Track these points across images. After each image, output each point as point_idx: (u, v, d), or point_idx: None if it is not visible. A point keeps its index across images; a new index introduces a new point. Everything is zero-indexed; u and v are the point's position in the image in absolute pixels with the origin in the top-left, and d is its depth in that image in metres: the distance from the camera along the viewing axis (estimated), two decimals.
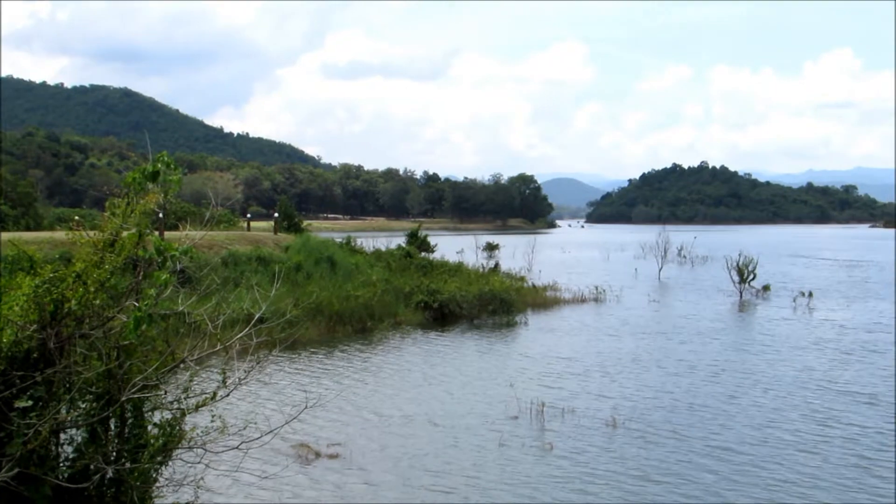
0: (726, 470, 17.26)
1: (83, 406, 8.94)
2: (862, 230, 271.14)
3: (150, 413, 9.51)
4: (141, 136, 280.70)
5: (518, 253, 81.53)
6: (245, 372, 9.71)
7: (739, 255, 55.50)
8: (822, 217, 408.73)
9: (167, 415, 9.49)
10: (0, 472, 7.73)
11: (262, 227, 75.01)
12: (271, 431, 10.43)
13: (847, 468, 17.45)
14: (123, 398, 8.87)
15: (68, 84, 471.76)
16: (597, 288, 51.71)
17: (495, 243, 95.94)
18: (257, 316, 10.33)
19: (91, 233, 9.22)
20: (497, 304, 40.88)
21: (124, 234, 8.99)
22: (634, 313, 43.97)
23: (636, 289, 57.31)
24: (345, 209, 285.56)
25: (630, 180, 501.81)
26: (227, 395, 9.67)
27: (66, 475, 8.75)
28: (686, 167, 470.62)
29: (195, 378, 9.78)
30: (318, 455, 17.99)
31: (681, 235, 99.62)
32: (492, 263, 61.93)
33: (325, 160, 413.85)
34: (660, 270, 69.24)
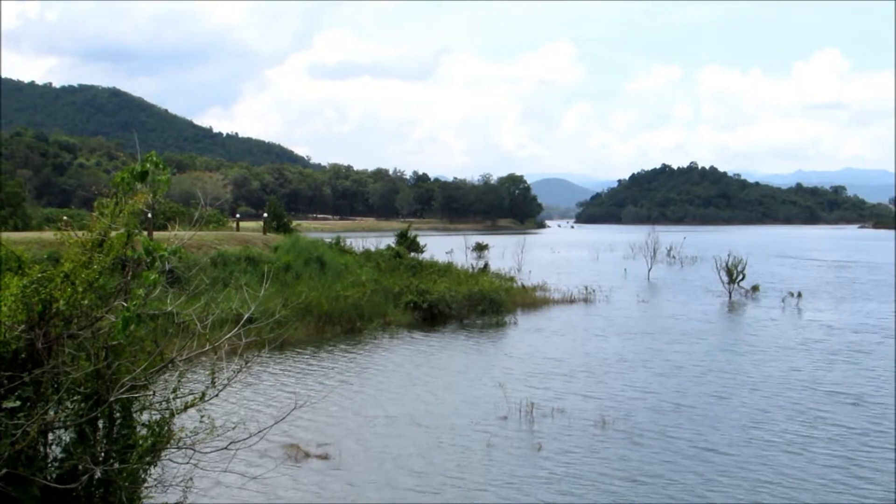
0: (712, 471, 17.33)
1: (71, 406, 8.93)
2: (851, 231, 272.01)
3: (138, 413, 9.51)
4: (130, 136, 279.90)
5: (507, 253, 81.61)
6: (234, 372, 9.72)
7: (729, 255, 55.66)
8: (811, 218, 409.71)
9: (156, 415, 9.48)
10: None
11: (251, 227, 74.91)
12: (260, 432, 10.43)
13: (832, 469, 17.53)
14: (112, 398, 8.87)
15: (57, 84, 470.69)
16: (586, 288, 51.77)
17: (485, 243, 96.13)
18: (246, 316, 10.34)
19: (79, 233, 9.22)
20: (486, 305, 40.94)
21: (113, 234, 8.99)
22: (623, 314, 44.07)
23: (625, 289, 57.40)
24: (334, 209, 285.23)
25: (619, 181, 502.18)
26: (216, 395, 9.68)
27: (54, 476, 8.74)
28: (675, 168, 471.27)
29: (184, 378, 9.77)
30: (307, 456, 17.99)
31: (670, 236, 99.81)
32: (481, 264, 61.95)
33: (314, 160, 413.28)
34: (649, 271, 69.38)
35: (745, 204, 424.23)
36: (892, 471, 17.33)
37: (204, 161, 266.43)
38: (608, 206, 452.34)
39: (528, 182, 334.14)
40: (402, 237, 65.51)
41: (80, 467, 8.65)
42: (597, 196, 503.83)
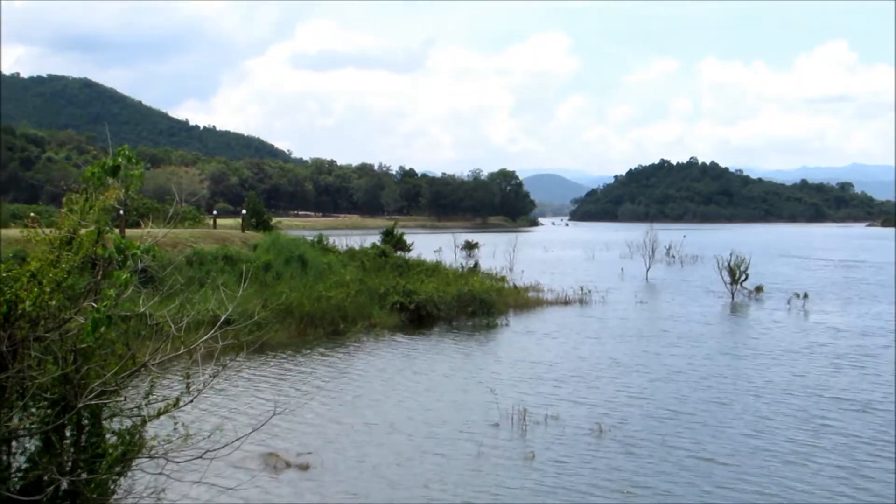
0: (712, 482, 17.30)
1: (37, 413, 8.88)
2: (858, 229, 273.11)
3: (108, 420, 9.46)
4: (101, 129, 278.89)
5: (499, 252, 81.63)
6: (210, 377, 9.68)
7: (731, 254, 55.68)
8: (816, 215, 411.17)
9: (127, 422, 9.45)
10: None
11: (229, 224, 74.60)
12: (237, 440, 10.40)
13: (837, 481, 17.51)
14: (80, 405, 8.82)
15: (25, 74, 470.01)
16: (581, 289, 51.75)
17: (475, 242, 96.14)
18: (223, 318, 10.30)
19: (47, 230, 9.17)
20: (476, 306, 40.93)
21: (82, 231, 8.95)
22: (620, 315, 44.12)
23: (622, 290, 57.47)
24: (316, 206, 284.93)
25: (616, 176, 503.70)
26: (191, 401, 9.64)
27: (17, 487, 8.69)
28: (674, 163, 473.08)
29: (156, 384, 9.73)
30: (287, 465, 17.93)
31: (669, 234, 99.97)
32: (471, 263, 62.03)
33: (295, 155, 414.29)
34: (647, 271, 69.44)
35: (747, 201, 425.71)
36: None
37: (179, 155, 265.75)
38: (604, 203, 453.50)
39: (521, 178, 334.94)
40: (388, 235, 65.48)
41: (46, 478, 8.60)
42: (592, 192, 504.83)
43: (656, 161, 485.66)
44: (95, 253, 8.82)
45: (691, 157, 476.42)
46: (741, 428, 21.52)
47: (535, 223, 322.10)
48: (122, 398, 9.39)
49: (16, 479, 8.78)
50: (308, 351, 32.15)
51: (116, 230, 10.47)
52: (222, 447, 9.99)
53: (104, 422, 9.39)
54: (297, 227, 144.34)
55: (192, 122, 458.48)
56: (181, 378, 9.58)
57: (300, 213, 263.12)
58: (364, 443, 19.90)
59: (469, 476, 17.50)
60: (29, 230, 9.44)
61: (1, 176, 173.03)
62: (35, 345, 8.72)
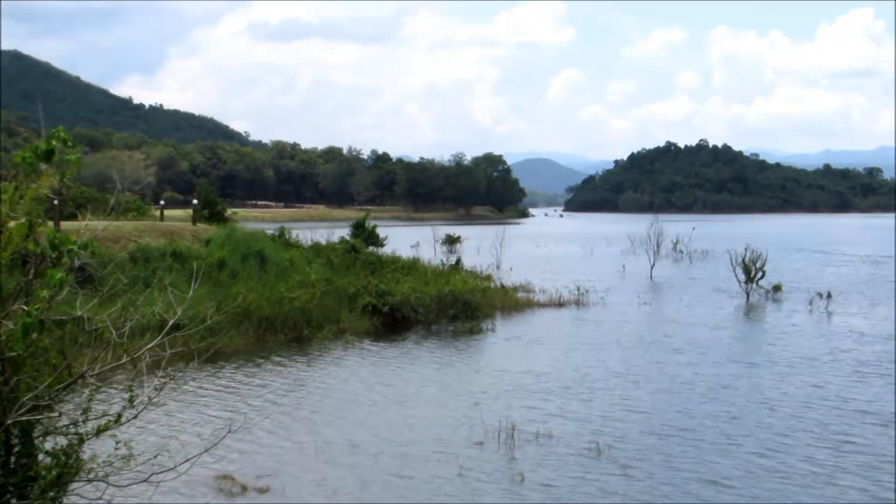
0: None
1: None
2: (888, 220, 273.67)
3: (41, 439, 9.45)
4: (33, 108, 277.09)
5: (484, 247, 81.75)
6: (156, 389, 9.69)
7: (745, 249, 55.76)
8: (841, 205, 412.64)
9: (62, 441, 9.44)
10: None
11: (178, 216, 74.47)
12: (187, 461, 10.43)
13: None
14: (9, 421, 8.82)
15: None
16: (578, 289, 51.74)
17: (457, 236, 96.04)
18: (171, 322, 10.31)
19: None
20: (459, 308, 40.90)
21: (11, 224, 8.94)
22: (621, 319, 44.23)
23: (623, 290, 57.60)
24: (277, 195, 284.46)
25: (616, 161, 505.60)
26: (135, 417, 9.65)
27: None
28: (682, 146, 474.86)
29: (96, 397, 9.73)
30: (244, 489, 17.94)
31: (676, 226, 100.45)
32: (453, 259, 62.07)
33: (253, 137, 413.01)
34: (651, 268, 69.56)
35: (764, 189, 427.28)
36: None
37: (122, 138, 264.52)
38: (603, 192, 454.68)
39: (508, 163, 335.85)
40: (359, 228, 65.42)
41: None
42: (589, 179, 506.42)
43: (661, 144, 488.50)
44: (26, 249, 8.82)
45: (701, 140, 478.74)
46: (753, 446, 21.60)
47: (524, 214, 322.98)
48: (56, 414, 9.38)
49: None
50: (267, 360, 32.11)
51: (50, 223, 10.46)
52: (170, 469, 10.00)
53: (37, 440, 9.38)
54: (256, 220, 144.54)
55: (136, 101, 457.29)
56: (123, 391, 9.59)
57: (259, 203, 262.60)
58: (329, 464, 19.91)
59: (448, 501, 17.54)
60: None
61: None
62: None
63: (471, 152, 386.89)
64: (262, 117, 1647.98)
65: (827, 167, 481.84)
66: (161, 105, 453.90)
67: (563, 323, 42.80)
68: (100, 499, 9.66)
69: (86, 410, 9.50)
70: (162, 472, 9.88)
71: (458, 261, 60.34)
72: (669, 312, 47.28)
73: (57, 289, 8.58)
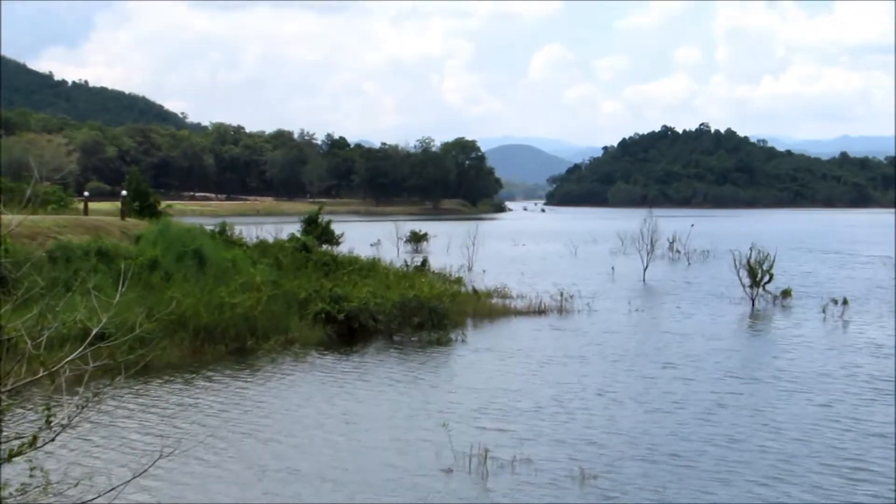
0: None
1: None
2: None
3: None
4: None
5: (454, 246, 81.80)
6: (78, 407, 9.70)
7: (751, 249, 55.96)
8: (859, 198, 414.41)
9: None
10: None
11: (104, 209, 74.36)
12: (112, 489, 10.43)
13: None
14: None
15: None
16: (561, 294, 51.70)
17: (423, 233, 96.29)
18: (95, 331, 10.32)
19: None
20: (425, 316, 40.90)
21: None
22: (609, 328, 44.39)
23: (612, 295, 57.78)
24: (219, 185, 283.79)
25: (605, 148, 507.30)
26: (53, 439, 9.66)
27: None
28: (680, 131, 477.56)
29: (8, 416, 9.74)
30: None
31: (673, 222, 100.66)
32: (418, 260, 62.05)
33: (192, 119, 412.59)
34: (644, 270, 69.89)
35: (772, 180, 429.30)
36: None
37: (41, 119, 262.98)
38: (590, 183, 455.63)
39: (483, 149, 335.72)
40: (311, 224, 65.51)
41: None
42: (575, 169, 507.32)
43: (657, 128, 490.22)
44: None
45: (702, 124, 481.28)
46: (754, 474, 21.66)
47: (501, 208, 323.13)
48: None
49: None
50: (205, 374, 32.06)
51: None
52: (94, 499, 10.01)
53: None
54: (194, 214, 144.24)
55: (57, 77, 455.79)
56: (40, 409, 9.60)
57: (197, 194, 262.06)
58: (268, 494, 19.89)
59: None
60: None
61: None
62: None
63: (440, 137, 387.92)
64: (201, 97, 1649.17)
65: (844, 156, 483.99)
66: (86, 82, 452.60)
67: (543, 333, 42.90)
68: None
69: None
70: (84, 503, 9.89)
71: (425, 261, 60.26)
72: (664, 321, 47.49)
73: None
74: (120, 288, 12.75)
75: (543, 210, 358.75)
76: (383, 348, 38.11)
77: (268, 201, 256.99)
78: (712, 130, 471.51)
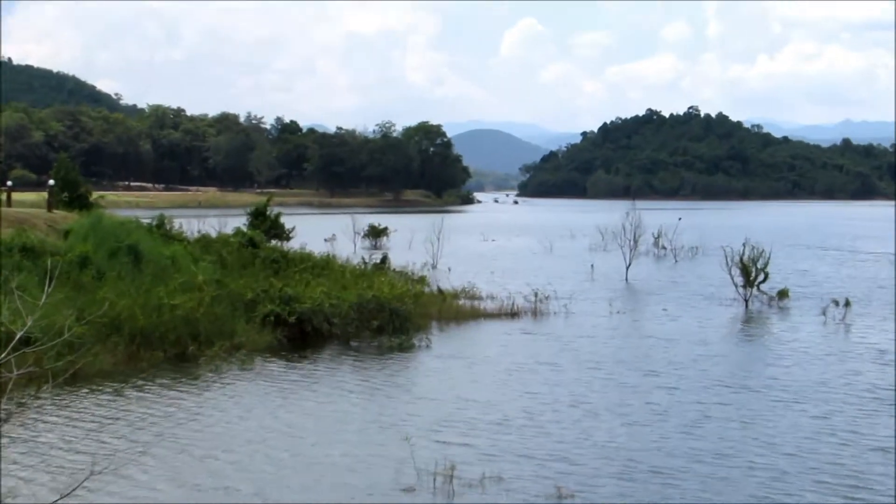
0: None
1: None
2: None
3: None
4: None
5: (417, 241, 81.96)
6: (1, 420, 9.79)
7: (744, 245, 56.27)
8: (863, 189, 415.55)
9: None
10: None
11: (29, 200, 73.95)
12: None
13: None
14: None
15: None
16: (535, 295, 51.72)
17: (383, 227, 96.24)
18: (19, 335, 10.38)
19: None
20: (384, 319, 40.92)
21: None
22: (588, 332, 44.55)
23: (592, 295, 57.96)
24: (157, 174, 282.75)
25: (584, 134, 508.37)
26: None
27: None
28: (667, 115, 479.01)
29: None
30: None
31: (659, 216, 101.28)
32: (378, 257, 62.10)
33: (126, 100, 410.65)
34: (627, 268, 70.04)
35: (768, 169, 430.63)
36: None
37: None
38: (567, 172, 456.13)
39: (449, 135, 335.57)
40: (259, 217, 65.41)
41: None
42: (550, 157, 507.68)
43: (641, 112, 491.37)
44: None
45: (691, 107, 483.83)
46: (745, 493, 21.85)
47: (469, 200, 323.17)
48: None
49: None
50: (142, 383, 31.95)
51: None
52: None
53: None
54: (129, 205, 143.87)
55: None
56: None
57: (133, 184, 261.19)
58: None
59: None
60: None
61: None
62: None
63: (401, 121, 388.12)
64: (137, 76, 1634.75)
65: (846, 142, 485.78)
66: (9, 59, 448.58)
67: (514, 338, 43.01)
68: None
69: None
70: None
71: (385, 259, 60.29)
72: (647, 324, 47.72)
73: None
74: (47, 288, 12.82)
75: (516, 202, 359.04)
76: (338, 354, 38.11)
77: (211, 192, 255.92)
78: (702, 114, 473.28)
